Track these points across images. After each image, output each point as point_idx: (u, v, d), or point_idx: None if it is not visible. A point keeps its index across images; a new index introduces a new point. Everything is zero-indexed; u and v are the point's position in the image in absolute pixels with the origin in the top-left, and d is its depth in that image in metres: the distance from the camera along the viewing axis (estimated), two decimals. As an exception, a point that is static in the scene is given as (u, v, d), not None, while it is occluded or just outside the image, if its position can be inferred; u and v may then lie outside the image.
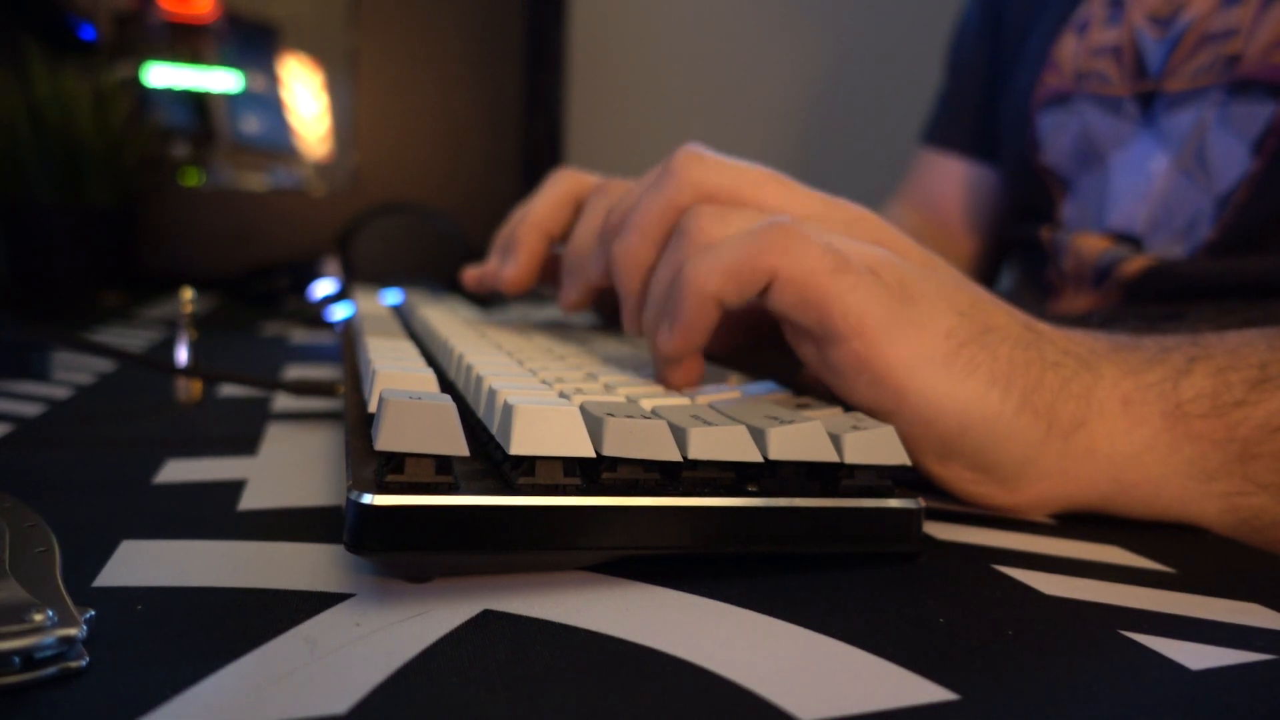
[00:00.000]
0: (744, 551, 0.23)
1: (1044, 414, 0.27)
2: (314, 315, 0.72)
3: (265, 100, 0.97)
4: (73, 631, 0.17)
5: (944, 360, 0.27)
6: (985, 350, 0.27)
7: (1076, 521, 0.29)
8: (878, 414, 0.27)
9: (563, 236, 0.42)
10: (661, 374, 0.30)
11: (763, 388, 0.30)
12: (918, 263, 0.29)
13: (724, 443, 0.23)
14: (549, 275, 0.44)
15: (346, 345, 0.42)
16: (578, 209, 0.41)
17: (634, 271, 0.31)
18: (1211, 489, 0.28)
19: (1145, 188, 0.55)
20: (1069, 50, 0.60)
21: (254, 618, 0.19)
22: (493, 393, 0.24)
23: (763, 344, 0.35)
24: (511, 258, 0.42)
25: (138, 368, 0.47)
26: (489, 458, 0.24)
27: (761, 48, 1.26)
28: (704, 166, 0.30)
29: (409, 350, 0.33)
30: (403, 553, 0.20)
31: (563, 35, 1.03)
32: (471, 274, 0.46)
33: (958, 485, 0.29)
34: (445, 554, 0.20)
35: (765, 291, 0.27)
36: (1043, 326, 0.30)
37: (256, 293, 0.80)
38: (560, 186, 0.42)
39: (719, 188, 0.30)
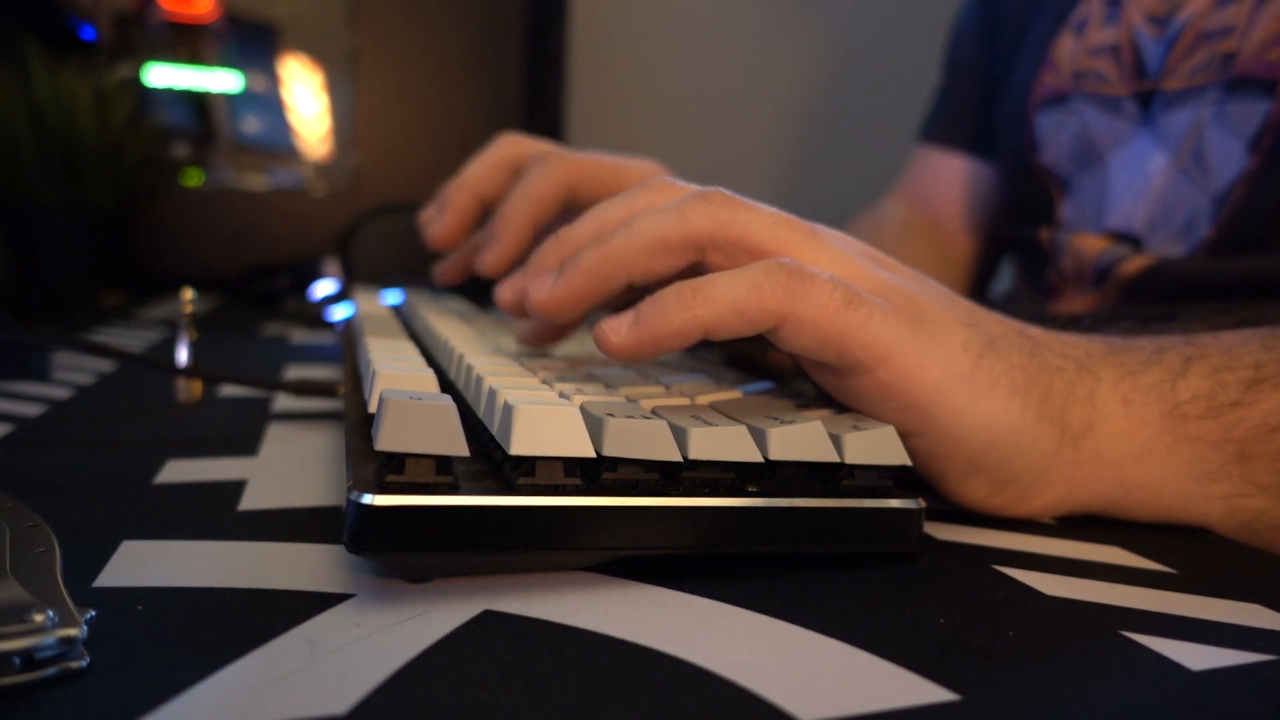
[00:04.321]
0: (744, 552, 0.23)
1: (1057, 421, 0.27)
2: (314, 315, 0.72)
3: (265, 100, 0.97)
4: (73, 632, 0.17)
5: (968, 376, 0.26)
6: (1001, 360, 0.27)
7: (1077, 522, 0.29)
8: (903, 436, 0.26)
9: (496, 200, 0.43)
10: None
11: (763, 388, 0.30)
12: (909, 279, 0.29)
13: (724, 443, 0.23)
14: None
15: (346, 345, 0.42)
16: (515, 174, 0.42)
17: (616, 271, 0.28)
18: (1212, 491, 0.28)
19: (1144, 187, 0.55)
20: (1067, 50, 0.60)
21: (254, 618, 0.19)
22: (493, 393, 0.24)
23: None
24: (440, 216, 0.44)
25: (138, 368, 0.47)
26: (489, 458, 0.24)
27: (761, 48, 1.26)
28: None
29: (409, 350, 0.33)
30: (403, 553, 0.20)
31: (563, 35, 1.03)
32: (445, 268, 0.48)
33: (974, 499, 0.28)
34: (445, 554, 0.20)
35: (773, 332, 0.26)
36: (1035, 331, 0.29)
37: (256, 293, 0.80)
38: (500, 151, 0.43)
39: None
